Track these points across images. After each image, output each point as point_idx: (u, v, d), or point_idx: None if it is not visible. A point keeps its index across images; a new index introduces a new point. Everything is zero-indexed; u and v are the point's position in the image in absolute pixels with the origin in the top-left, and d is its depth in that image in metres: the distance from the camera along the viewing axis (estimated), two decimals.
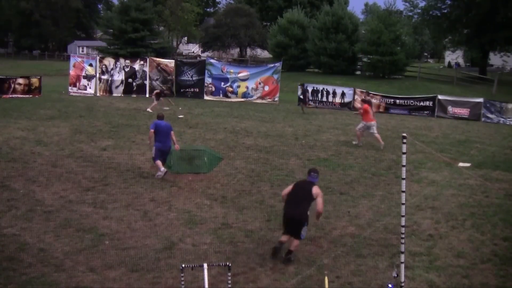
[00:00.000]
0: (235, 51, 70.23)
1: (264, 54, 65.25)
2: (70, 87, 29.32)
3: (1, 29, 79.54)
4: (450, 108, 25.05)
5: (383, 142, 16.18)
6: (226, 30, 60.86)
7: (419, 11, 48.51)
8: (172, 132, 12.34)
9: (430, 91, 31.78)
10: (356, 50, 42.88)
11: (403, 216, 6.63)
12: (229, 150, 15.24)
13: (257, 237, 8.75)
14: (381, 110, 26.25)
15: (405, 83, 38.62)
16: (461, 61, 66.44)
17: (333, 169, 13.34)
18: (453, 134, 19.82)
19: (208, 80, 29.31)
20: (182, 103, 26.13)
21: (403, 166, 6.54)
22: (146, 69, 29.45)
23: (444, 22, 45.06)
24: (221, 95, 29.17)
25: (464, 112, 24.67)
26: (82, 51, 74.84)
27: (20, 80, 27.91)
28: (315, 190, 7.94)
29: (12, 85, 27.47)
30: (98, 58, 31.88)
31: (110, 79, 29.38)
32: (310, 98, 27.26)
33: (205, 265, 6.04)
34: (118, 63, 29.80)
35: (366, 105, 16.87)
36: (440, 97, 25.68)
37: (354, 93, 27.03)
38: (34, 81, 28.26)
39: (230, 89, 29.23)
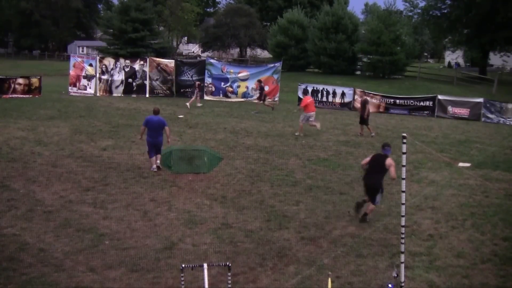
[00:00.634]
0: (235, 51, 70.20)
1: (264, 54, 65.23)
2: (70, 87, 29.31)
3: (1, 29, 79.49)
4: (450, 108, 25.04)
5: (319, 127, 18.50)
6: (226, 30, 60.83)
7: (419, 11, 48.46)
8: (166, 128, 12.73)
9: (430, 91, 31.76)
10: (356, 50, 42.86)
11: (403, 216, 6.63)
12: (229, 150, 15.24)
13: (257, 237, 8.75)
14: (381, 110, 26.26)
15: (405, 83, 38.61)
16: (461, 61, 66.40)
17: (333, 169, 13.34)
18: (453, 134, 19.82)
19: (208, 80, 29.30)
20: (182, 103, 26.12)
21: (403, 166, 6.54)
22: (146, 69, 29.44)
23: (444, 22, 45.04)
24: (221, 95, 29.16)
25: (464, 112, 24.66)
26: (82, 51, 74.80)
27: (20, 80, 27.91)
28: (388, 161, 9.45)
29: (12, 85, 27.47)
30: (98, 58, 31.87)
31: (110, 79, 29.37)
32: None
33: (205, 265, 6.04)
34: (118, 63, 29.79)
35: (306, 98, 19.08)
36: (440, 97, 25.67)
37: (354, 93, 27.02)
38: (34, 81, 28.25)
39: (230, 89, 29.22)
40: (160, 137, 12.62)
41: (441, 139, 18.72)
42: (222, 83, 29.23)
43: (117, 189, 11.17)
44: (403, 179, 6.58)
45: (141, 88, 29.46)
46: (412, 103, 25.98)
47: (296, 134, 18.11)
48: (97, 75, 29.23)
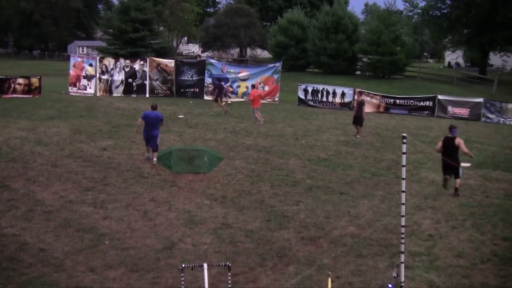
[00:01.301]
0: (235, 51, 70.17)
1: (264, 54, 65.21)
2: (70, 87, 29.30)
3: (1, 29, 79.47)
4: (450, 108, 25.05)
5: (263, 120, 20.17)
6: (226, 30, 60.80)
7: (419, 11, 48.48)
8: (163, 122, 13.59)
9: (430, 91, 31.77)
10: (356, 50, 42.87)
11: (403, 216, 6.63)
12: (229, 150, 15.24)
13: (257, 237, 8.75)
14: (381, 110, 26.27)
15: (405, 83, 38.61)
16: (461, 61, 66.39)
17: (333, 169, 13.34)
18: None
19: (208, 80, 29.30)
20: (182, 103, 26.13)
21: (403, 166, 6.54)
22: (146, 69, 29.44)
23: (444, 22, 45.03)
24: None
25: (464, 112, 24.66)
26: (82, 51, 74.76)
27: (20, 80, 27.91)
28: (457, 141, 11.15)
29: (12, 85, 27.46)
30: (98, 58, 31.87)
31: (110, 79, 29.36)
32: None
33: (205, 265, 6.04)
34: (118, 63, 29.79)
35: (253, 92, 21.25)
36: (440, 97, 25.68)
37: (354, 93, 27.02)
38: (34, 81, 28.24)
39: (230, 89, 29.21)
40: (155, 131, 13.30)
41: (441, 139, 18.68)
42: (222, 83, 29.19)
43: (117, 189, 11.17)
44: (403, 179, 6.57)
45: (141, 88, 29.46)
46: (412, 103, 25.99)
47: (258, 123, 20.17)
48: (97, 75, 29.23)
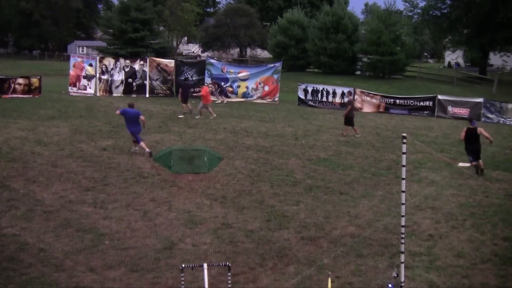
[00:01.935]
0: (235, 51, 70.17)
1: (264, 54, 65.20)
2: (70, 87, 29.30)
3: (1, 29, 79.45)
4: (450, 108, 25.04)
5: (215, 115, 21.05)
6: (226, 30, 60.80)
7: (419, 11, 48.45)
8: (141, 117, 14.41)
9: (430, 91, 31.77)
10: (356, 50, 42.85)
11: (403, 216, 6.63)
12: (229, 150, 15.24)
13: (257, 237, 8.75)
14: (381, 110, 26.26)
15: (405, 83, 38.61)
16: (461, 61, 66.37)
17: (333, 169, 13.34)
18: (453, 134, 19.79)
19: (208, 80, 29.29)
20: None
21: (403, 166, 6.54)
22: (146, 69, 29.44)
23: (444, 22, 45.02)
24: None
25: (464, 112, 24.65)
26: (82, 51, 74.73)
27: (20, 80, 27.90)
28: (479, 130, 13.13)
29: (12, 85, 27.45)
30: (98, 58, 31.86)
31: (110, 79, 29.35)
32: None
33: (205, 265, 6.04)
34: (118, 63, 29.77)
35: (205, 88, 22.15)
36: (440, 97, 25.67)
37: (354, 93, 27.00)
38: (34, 81, 28.24)
39: (230, 89, 29.22)
40: (138, 127, 14.37)
41: (441, 139, 18.72)
42: (222, 83, 29.21)
43: (117, 189, 11.17)
44: (403, 179, 6.57)
45: (141, 88, 29.45)
46: (412, 103, 25.98)
47: (197, 117, 21.17)
48: (97, 75, 29.22)
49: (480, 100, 24.74)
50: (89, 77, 29.31)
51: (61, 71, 43.98)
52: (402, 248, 6.64)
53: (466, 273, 7.54)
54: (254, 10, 61.74)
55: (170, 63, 30.68)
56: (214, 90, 27.93)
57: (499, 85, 36.19)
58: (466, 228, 9.37)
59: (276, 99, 28.70)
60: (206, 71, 29.40)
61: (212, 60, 32.61)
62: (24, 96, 27.16)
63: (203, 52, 70.38)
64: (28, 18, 72.78)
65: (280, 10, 56.89)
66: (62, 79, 36.11)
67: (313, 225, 9.36)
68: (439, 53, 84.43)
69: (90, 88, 29.28)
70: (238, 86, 29.22)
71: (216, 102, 26.53)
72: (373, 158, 14.88)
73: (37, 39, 76.81)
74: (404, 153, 6.50)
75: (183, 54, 73.67)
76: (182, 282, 6.05)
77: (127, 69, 29.42)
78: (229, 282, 6.08)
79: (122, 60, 30.40)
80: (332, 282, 6.70)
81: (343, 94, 27.28)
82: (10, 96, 26.89)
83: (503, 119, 23.73)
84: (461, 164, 14.29)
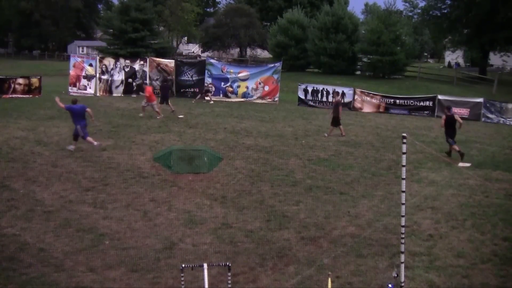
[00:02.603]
0: (235, 51, 70.19)
1: (264, 54, 65.22)
2: (70, 87, 29.29)
3: (1, 29, 79.48)
4: None
5: (162, 115, 20.84)
6: (226, 30, 60.82)
7: (419, 11, 48.51)
8: (88, 109, 14.85)
9: (430, 91, 31.76)
10: (356, 50, 42.85)
11: (403, 216, 6.63)
12: (229, 150, 15.24)
13: (257, 237, 8.75)
14: (381, 110, 26.26)
15: (405, 83, 38.61)
16: (461, 61, 66.40)
17: (333, 169, 13.34)
18: None
19: (208, 80, 29.30)
20: (182, 103, 26.13)
21: (403, 166, 6.54)
22: (146, 69, 29.44)
23: (444, 22, 45.03)
24: (221, 95, 29.15)
25: (464, 112, 24.63)
26: (82, 51, 74.74)
27: (20, 80, 27.90)
28: (456, 117, 15.37)
29: (12, 85, 27.45)
30: (98, 58, 31.86)
31: (110, 79, 29.35)
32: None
33: (205, 265, 6.04)
34: (118, 63, 29.78)
35: (148, 88, 21.93)
36: (440, 97, 25.66)
37: (354, 93, 27.02)
38: (34, 81, 28.24)
39: (230, 89, 29.22)
40: (85, 120, 14.71)
41: (441, 139, 18.67)
42: (222, 83, 29.22)
43: (117, 189, 11.17)
44: (403, 179, 6.57)
45: (141, 88, 29.40)
46: (412, 103, 25.97)
47: (140, 115, 21.23)
48: (97, 75, 29.22)
49: (480, 100, 24.74)
50: (89, 77, 29.31)
51: (61, 71, 43.97)
52: (402, 248, 6.64)
53: (466, 273, 7.54)
54: (254, 10, 61.78)
55: (170, 63, 30.68)
56: (213, 90, 28.19)
57: (499, 85, 36.19)
58: (466, 228, 9.37)
59: (276, 99, 28.71)
60: (206, 71, 29.41)
61: (212, 60, 32.62)
62: (24, 96, 27.16)
63: (203, 52, 70.40)
64: (28, 18, 72.81)
65: (280, 10, 56.90)
66: (62, 79, 36.11)
67: (313, 225, 9.36)
68: (439, 53, 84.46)
69: (90, 88, 29.29)
70: (238, 86, 29.22)
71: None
72: (373, 158, 14.88)
73: (37, 39, 76.85)
74: (404, 153, 6.50)
75: (183, 54, 73.68)
76: (182, 282, 6.05)
77: (127, 69, 29.43)
78: (229, 282, 6.08)
79: (122, 60, 30.40)
80: (332, 282, 6.70)
81: (343, 94, 27.28)
82: (10, 96, 26.89)
83: (503, 119, 23.73)
84: (461, 164, 14.29)
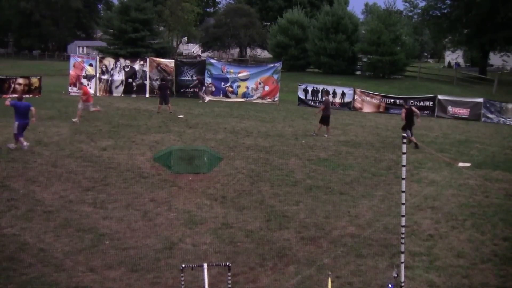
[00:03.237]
0: (235, 51, 70.21)
1: (264, 54, 65.23)
2: (70, 87, 29.31)
3: (1, 29, 79.57)
4: (450, 108, 25.04)
5: (79, 119, 19.58)
6: (226, 30, 60.84)
7: (419, 11, 48.45)
8: (32, 108, 14.81)
9: (430, 91, 31.76)
10: (356, 50, 42.85)
11: (403, 216, 6.63)
12: (229, 150, 15.24)
13: (257, 237, 8.75)
14: (381, 110, 26.27)
15: (405, 83, 38.61)
16: (461, 61, 66.40)
17: (333, 169, 13.34)
18: (453, 134, 19.83)
19: (208, 80, 29.31)
20: (182, 103, 26.14)
21: (403, 166, 6.54)
22: (146, 69, 29.46)
23: (444, 22, 45.03)
24: (221, 95, 29.17)
25: (464, 112, 24.66)
26: (82, 51, 74.76)
27: (20, 80, 27.93)
28: (413, 108, 17.10)
29: (12, 85, 27.48)
30: (98, 58, 31.88)
31: (110, 79, 29.38)
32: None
33: (205, 265, 6.04)
34: (118, 63, 29.80)
35: (85, 89, 21.54)
36: (440, 97, 25.68)
37: (354, 93, 27.02)
38: (34, 81, 28.27)
39: (230, 89, 29.23)
40: (27, 120, 14.73)
41: (441, 139, 18.72)
42: (222, 83, 29.24)
43: (117, 189, 11.17)
44: (403, 179, 6.57)
45: (141, 88, 29.47)
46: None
47: (74, 120, 20.12)
48: (97, 75, 29.24)
49: (480, 100, 24.75)
50: (89, 77, 29.32)
51: (61, 71, 44.01)
52: (402, 248, 6.64)
53: (466, 273, 7.54)
54: (254, 10, 61.80)
55: (170, 63, 30.72)
56: (213, 89, 28.27)
57: (499, 85, 36.19)
58: (466, 228, 9.37)
59: (276, 99, 28.71)
60: (206, 71, 29.42)
61: (212, 60, 32.62)
62: (24, 96, 27.08)
63: (203, 52, 70.44)
64: (28, 18, 72.87)
65: (280, 10, 56.93)
66: (62, 79, 36.13)
67: (313, 225, 9.36)
68: (439, 53, 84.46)
69: (90, 88, 29.21)
70: (238, 86, 29.23)
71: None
72: (373, 158, 14.87)
73: (37, 39, 76.91)
74: (404, 153, 6.50)
75: (183, 54, 73.71)
76: (182, 282, 6.05)
77: (127, 69, 29.45)
78: (229, 282, 6.08)
79: (122, 60, 30.43)
80: (332, 282, 6.70)
81: (343, 94, 27.30)
82: (10, 96, 26.86)
83: (503, 119, 23.74)
84: (461, 164, 14.29)
